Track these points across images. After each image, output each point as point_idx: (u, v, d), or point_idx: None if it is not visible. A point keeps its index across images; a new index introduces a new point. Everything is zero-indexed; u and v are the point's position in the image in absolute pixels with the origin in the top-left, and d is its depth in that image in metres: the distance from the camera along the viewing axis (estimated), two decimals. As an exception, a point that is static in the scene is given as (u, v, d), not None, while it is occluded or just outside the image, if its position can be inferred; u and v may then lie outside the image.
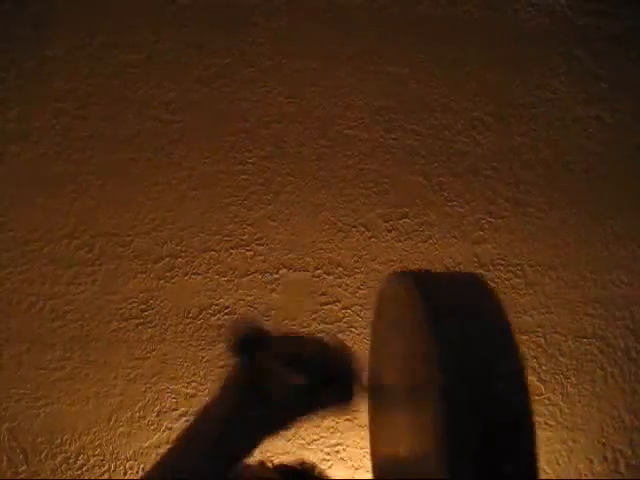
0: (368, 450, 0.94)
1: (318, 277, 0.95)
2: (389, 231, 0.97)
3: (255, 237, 0.94)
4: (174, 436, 0.90)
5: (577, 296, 0.99)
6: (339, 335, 0.95)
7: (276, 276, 0.94)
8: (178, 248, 0.93)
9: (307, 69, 0.98)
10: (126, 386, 0.91)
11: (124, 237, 0.92)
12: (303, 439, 0.93)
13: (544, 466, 0.93)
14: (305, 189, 0.96)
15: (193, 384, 0.92)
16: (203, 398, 0.92)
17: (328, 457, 0.93)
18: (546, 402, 0.96)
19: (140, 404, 0.91)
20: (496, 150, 1.01)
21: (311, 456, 0.92)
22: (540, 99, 1.02)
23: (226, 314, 0.93)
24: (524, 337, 0.97)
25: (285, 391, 0.59)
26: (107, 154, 0.93)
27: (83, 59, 0.94)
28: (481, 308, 0.52)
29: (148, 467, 0.84)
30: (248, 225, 0.94)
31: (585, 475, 0.96)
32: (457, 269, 0.98)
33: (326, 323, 0.95)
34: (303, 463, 0.82)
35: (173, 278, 0.92)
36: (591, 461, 0.97)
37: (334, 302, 0.95)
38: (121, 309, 0.91)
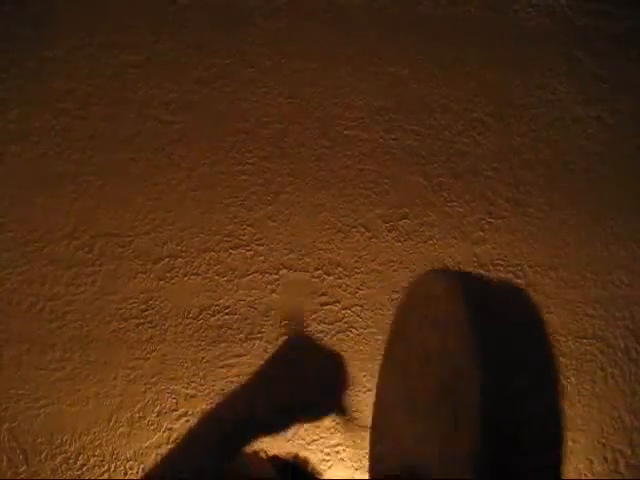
0: (368, 451, 0.94)
1: (318, 277, 0.95)
2: (389, 231, 0.97)
3: (255, 237, 0.95)
4: (174, 436, 0.90)
5: (577, 296, 0.99)
6: (339, 335, 0.95)
7: (276, 276, 0.94)
8: (178, 248, 0.93)
9: (307, 69, 0.98)
10: (126, 386, 0.91)
11: (124, 237, 0.92)
12: (303, 439, 0.93)
13: (544, 466, 0.93)
14: (305, 189, 0.96)
15: (193, 384, 0.92)
16: (203, 398, 0.92)
17: (328, 457, 0.93)
18: (546, 402, 0.96)
19: (140, 404, 0.91)
20: (496, 150, 1.01)
21: (311, 456, 0.92)
22: (540, 99, 1.02)
23: (226, 314, 0.93)
24: (524, 337, 0.97)
25: None
26: (107, 154, 0.94)
27: (83, 59, 0.94)
28: (514, 307, 0.52)
29: (148, 468, 0.84)
30: (248, 225, 0.95)
31: (585, 475, 0.96)
32: (457, 269, 0.98)
33: (326, 323, 0.95)
34: (296, 457, 0.82)
35: (173, 278, 0.93)
36: (591, 461, 0.97)
37: (334, 302, 0.95)
38: (121, 309, 0.91)
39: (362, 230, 0.97)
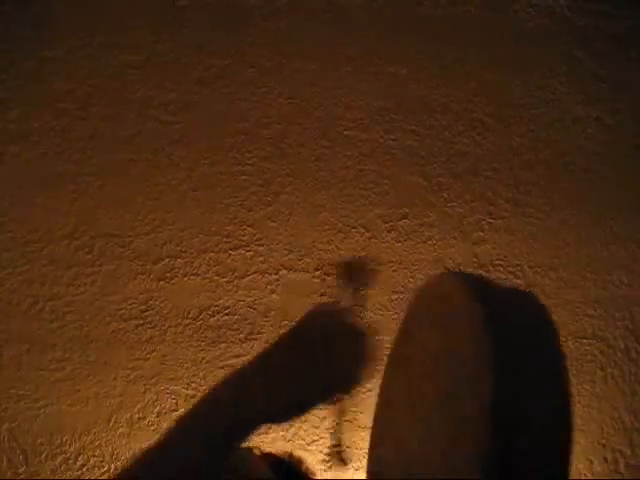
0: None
1: (318, 278, 0.95)
2: (389, 232, 0.97)
3: (255, 238, 0.95)
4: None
5: (577, 297, 0.99)
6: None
7: (276, 277, 0.94)
8: (178, 249, 0.93)
9: (307, 70, 0.98)
10: (126, 387, 0.91)
11: (124, 238, 0.92)
12: (303, 440, 0.93)
13: (544, 467, 0.93)
14: (305, 190, 0.96)
15: (193, 385, 0.92)
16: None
17: (327, 458, 0.93)
18: (546, 403, 0.96)
19: (140, 405, 0.91)
20: (496, 151, 1.01)
21: (311, 457, 0.92)
22: (540, 100, 1.02)
23: (226, 315, 0.93)
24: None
25: None
26: (107, 154, 0.93)
27: (83, 60, 0.94)
28: (513, 307, 0.52)
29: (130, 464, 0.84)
30: (248, 226, 0.95)
31: (585, 475, 0.97)
32: (457, 270, 0.98)
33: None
34: (291, 455, 0.82)
35: (173, 279, 0.93)
36: (591, 462, 0.97)
37: (334, 303, 0.95)
38: (121, 310, 0.91)
39: (362, 230, 0.97)
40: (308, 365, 0.71)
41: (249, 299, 0.94)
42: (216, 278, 0.93)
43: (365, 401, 0.94)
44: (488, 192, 1.00)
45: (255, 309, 0.94)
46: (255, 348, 0.93)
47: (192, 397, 0.92)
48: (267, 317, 0.94)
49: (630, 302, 1.00)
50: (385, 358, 0.95)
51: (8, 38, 0.93)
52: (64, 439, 0.89)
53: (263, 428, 0.87)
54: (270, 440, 0.92)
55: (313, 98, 0.98)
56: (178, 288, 0.93)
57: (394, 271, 0.97)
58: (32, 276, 0.90)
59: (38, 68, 0.93)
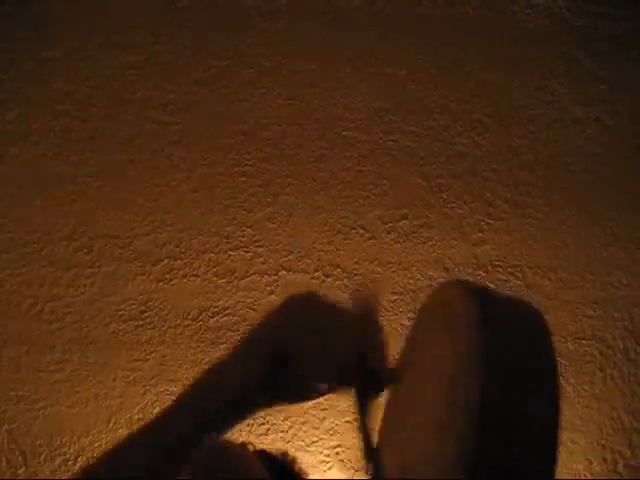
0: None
1: (317, 279, 0.95)
2: (388, 233, 0.97)
3: (254, 239, 0.95)
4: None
5: (576, 297, 1.00)
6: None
7: (275, 278, 0.94)
8: (177, 250, 0.93)
9: (306, 70, 0.98)
10: (125, 388, 0.91)
11: (123, 239, 0.92)
12: (302, 441, 0.93)
13: (543, 467, 0.94)
14: (304, 191, 0.96)
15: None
16: (202, 400, 0.92)
17: (328, 459, 0.93)
18: (545, 403, 0.96)
19: (139, 406, 0.91)
20: (495, 151, 1.01)
21: (311, 458, 0.93)
22: (539, 100, 1.02)
23: (225, 316, 0.93)
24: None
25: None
26: (106, 155, 0.93)
27: (82, 60, 0.94)
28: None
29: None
30: (247, 227, 0.95)
31: (584, 475, 0.97)
32: (456, 271, 0.98)
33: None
34: (284, 454, 0.83)
35: (172, 280, 0.93)
36: (590, 462, 0.97)
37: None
38: (120, 311, 0.91)
39: (361, 231, 0.97)
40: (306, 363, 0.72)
41: (248, 300, 0.94)
42: (215, 279, 0.93)
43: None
44: (487, 193, 1.00)
45: (255, 310, 0.94)
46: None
47: (191, 398, 0.92)
48: (267, 318, 0.94)
49: (629, 303, 1.00)
50: (386, 358, 0.95)
51: (8, 38, 0.93)
52: (63, 440, 0.89)
53: (263, 429, 0.87)
54: (270, 441, 0.92)
55: (312, 99, 0.98)
56: (177, 289, 0.93)
57: (393, 272, 0.97)
58: (31, 277, 0.90)
59: (37, 69, 0.93)
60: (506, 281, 0.98)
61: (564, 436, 0.97)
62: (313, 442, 0.93)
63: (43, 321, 0.90)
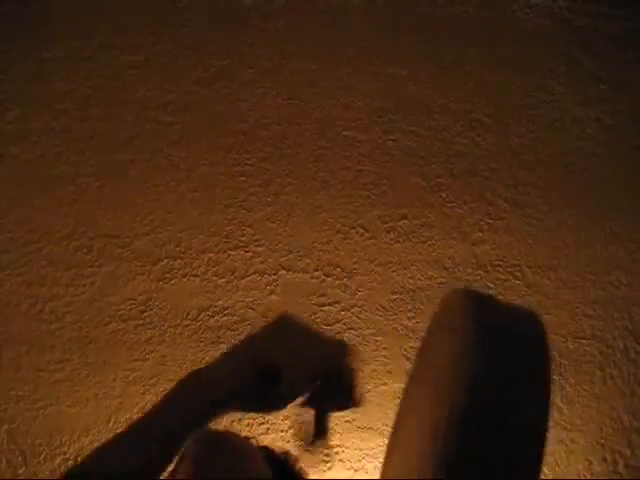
0: (367, 452, 0.94)
1: (317, 278, 0.95)
2: (388, 232, 0.97)
3: (254, 238, 0.95)
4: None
5: (576, 297, 1.00)
6: (338, 336, 0.95)
7: (275, 277, 0.94)
8: (177, 249, 0.93)
9: (306, 70, 0.98)
10: (125, 387, 0.91)
11: (123, 239, 0.92)
12: (302, 441, 0.93)
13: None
14: (304, 190, 0.96)
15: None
16: (202, 399, 0.92)
17: (327, 459, 0.93)
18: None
19: (139, 406, 0.91)
20: (495, 151, 1.01)
21: (310, 458, 0.93)
22: (539, 100, 1.02)
23: (225, 315, 0.93)
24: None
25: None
26: (106, 155, 0.93)
27: (82, 60, 0.94)
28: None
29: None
30: (247, 226, 0.95)
31: (584, 475, 0.97)
32: (456, 270, 0.98)
33: (325, 324, 0.95)
34: (287, 453, 0.83)
35: (172, 279, 0.93)
36: (590, 462, 0.97)
37: (333, 303, 0.95)
38: (120, 310, 0.91)
39: (361, 231, 0.97)
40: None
41: (248, 299, 0.94)
42: (215, 279, 0.93)
43: (365, 401, 0.94)
44: (487, 192, 1.00)
45: (254, 310, 0.94)
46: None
47: (191, 398, 0.92)
48: (266, 317, 0.94)
49: (629, 302, 1.00)
50: (385, 358, 0.95)
51: (8, 38, 0.93)
52: (63, 440, 0.89)
53: (262, 428, 0.88)
54: (269, 441, 0.92)
55: (312, 99, 0.98)
56: (177, 289, 0.93)
57: (393, 272, 0.97)
58: (31, 277, 0.90)
59: (37, 69, 0.93)
60: (506, 281, 0.98)
61: (564, 436, 0.97)
62: (313, 442, 0.93)
63: (43, 321, 0.90)
